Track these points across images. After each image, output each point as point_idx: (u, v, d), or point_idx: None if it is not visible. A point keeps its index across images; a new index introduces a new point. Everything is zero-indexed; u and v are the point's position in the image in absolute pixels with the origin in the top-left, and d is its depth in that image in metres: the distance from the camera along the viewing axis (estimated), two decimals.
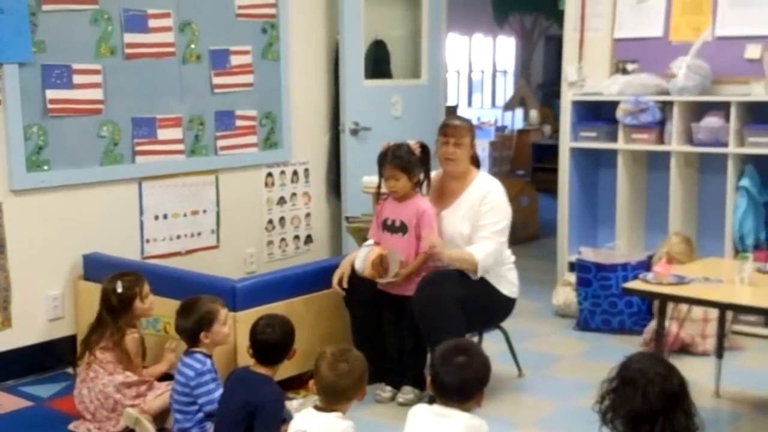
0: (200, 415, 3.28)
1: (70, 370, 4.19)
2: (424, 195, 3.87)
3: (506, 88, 18.32)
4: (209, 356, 3.37)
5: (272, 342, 3.15)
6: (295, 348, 3.21)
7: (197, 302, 3.40)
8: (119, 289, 3.54)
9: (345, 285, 3.82)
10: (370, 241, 3.94)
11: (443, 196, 3.90)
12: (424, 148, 3.85)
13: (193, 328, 3.35)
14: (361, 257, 3.78)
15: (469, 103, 17.95)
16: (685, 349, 4.36)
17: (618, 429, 2.18)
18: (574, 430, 3.47)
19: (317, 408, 2.74)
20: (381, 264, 3.72)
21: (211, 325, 3.36)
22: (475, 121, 11.83)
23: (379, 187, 3.92)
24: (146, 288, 3.62)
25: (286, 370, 3.48)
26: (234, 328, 3.50)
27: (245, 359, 3.44)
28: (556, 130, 10.31)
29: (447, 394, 2.54)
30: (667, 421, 2.11)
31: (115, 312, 3.55)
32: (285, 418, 3.03)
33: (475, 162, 3.94)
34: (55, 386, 4.00)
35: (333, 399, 2.71)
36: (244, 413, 3.00)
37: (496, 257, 3.73)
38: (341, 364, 2.69)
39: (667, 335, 4.26)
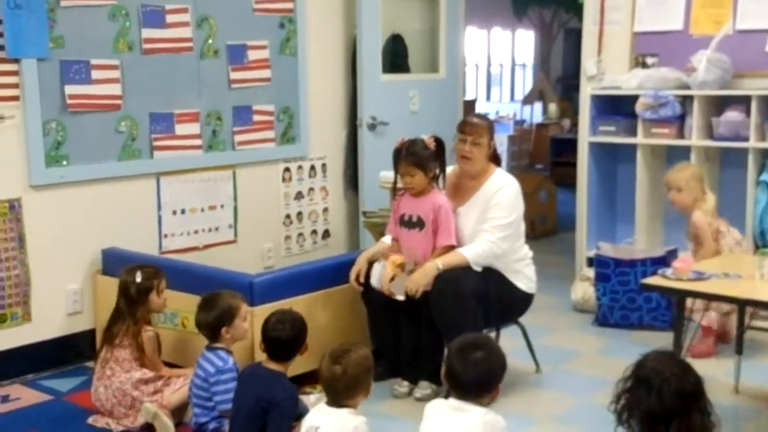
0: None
1: (89, 364, 4.21)
2: (440, 189, 3.86)
3: (525, 82, 18.27)
4: (231, 353, 3.37)
5: (284, 339, 3.15)
6: (307, 343, 3.21)
7: (219, 297, 3.41)
8: (138, 279, 3.56)
9: (362, 280, 3.82)
10: (387, 238, 3.93)
11: (460, 192, 3.88)
12: (439, 143, 3.84)
13: (215, 323, 3.36)
14: (377, 274, 3.73)
15: (488, 97, 17.91)
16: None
17: (634, 429, 2.16)
18: (591, 426, 3.45)
19: (329, 404, 2.74)
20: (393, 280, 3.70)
21: (233, 321, 3.36)
22: (493, 116, 11.86)
23: (395, 182, 3.92)
24: (163, 283, 3.63)
25: (302, 364, 3.49)
26: (251, 323, 3.51)
27: (263, 356, 3.45)
28: (575, 124, 10.27)
29: (462, 388, 2.54)
30: (683, 421, 2.09)
31: (133, 303, 3.56)
32: (301, 413, 3.03)
33: (495, 159, 3.91)
34: (75, 380, 4.02)
35: (335, 397, 2.72)
36: (258, 409, 3.00)
37: (487, 257, 3.71)
38: (335, 367, 2.69)
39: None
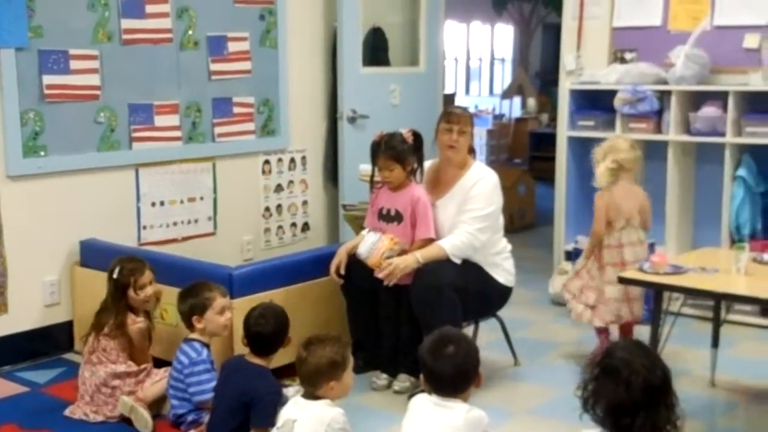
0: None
1: (66, 356, 4.20)
2: (418, 183, 3.87)
3: (504, 76, 18.31)
4: (207, 345, 3.37)
5: (266, 334, 3.14)
6: (290, 336, 3.21)
7: (197, 287, 3.42)
8: (114, 275, 3.55)
9: (342, 272, 3.82)
10: (366, 231, 3.93)
11: (438, 185, 3.90)
12: (417, 136, 3.85)
13: (187, 311, 3.38)
14: (368, 243, 3.73)
15: (467, 91, 17.93)
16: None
17: (598, 415, 2.15)
18: (570, 417, 3.42)
19: (305, 396, 2.76)
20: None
21: (204, 312, 3.36)
22: (472, 110, 11.84)
23: (372, 175, 3.92)
24: (144, 279, 3.58)
25: (281, 357, 3.48)
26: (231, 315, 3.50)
27: (242, 348, 3.44)
28: (553, 119, 10.31)
29: (443, 385, 2.55)
30: (649, 415, 2.08)
31: (112, 296, 3.56)
32: (283, 405, 3.03)
33: (471, 152, 3.93)
34: (52, 372, 4.00)
35: (303, 384, 2.77)
36: (240, 404, 3.00)
37: (466, 248, 3.72)
38: (302, 352, 2.74)
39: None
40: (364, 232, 3.96)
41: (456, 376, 2.53)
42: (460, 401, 2.55)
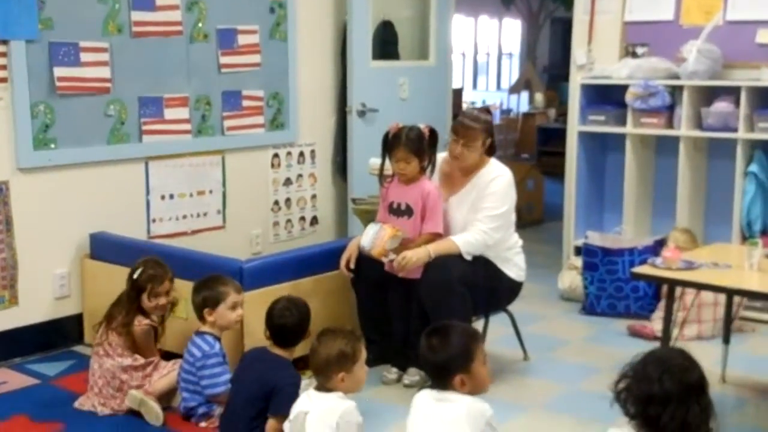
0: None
1: (76, 348, 4.20)
2: (429, 178, 3.85)
3: (512, 71, 18.27)
4: (218, 339, 3.37)
5: (290, 325, 3.16)
6: (310, 330, 3.21)
7: (212, 279, 3.42)
8: (135, 275, 3.54)
9: (352, 266, 3.82)
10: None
11: (452, 181, 3.87)
12: (433, 133, 3.82)
13: (200, 303, 3.38)
14: (370, 235, 3.72)
15: (475, 86, 17.92)
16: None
17: (629, 411, 2.16)
18: (579, 413, 3.48)
19: (318, 389, 2.76)
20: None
21: (216, 305, 3.36)
22: (479, 104, 11.82)
23: (382, 168, 3.89)
24: (161, 288, 3.55)
25: (297, 349, 3.49)
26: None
27: (252, 340, 3.44)
28: (561, 114, 10.30)
29: (427, 373, 2.64)
30: (680, 409, 2.08)
31: (128, 294, 3.56)
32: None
33: (490, 150, 3.86)
34: (62, 364, 4.00)
35: (315, 375, 2.77)
36: (261, 393, 3.00)
37: (479, 247, 3.70)
38: (314, 342, 2.76)
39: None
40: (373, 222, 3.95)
41: (435, 367, 2.59)
42: (461, 393, 2.54)
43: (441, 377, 2.58)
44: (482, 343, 2.69)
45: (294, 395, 2.94)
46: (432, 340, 2.60)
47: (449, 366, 2.56)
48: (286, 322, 3.15)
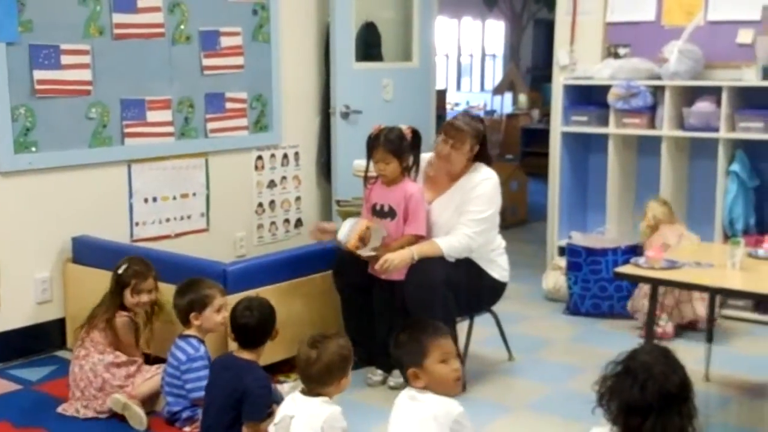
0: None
1: (59, 353, 4.17)
2: (413, 180, 3.84)
3: (495, 72, 18.33)
4: (202, 341, 3.36)
5: (252, 325, 3.11)
6: (278, 329, 3.18)
7: (197, 283, 3.41)
8: (119, 270, 3.54)
9: (324, 228, 4.01)
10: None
11: (437, 184, 3.86)
12: (416, 134, 3.82)
13: (186, 307, 3.36)
14: (346, 229, 3.72)
15: (458, 87, 17.95)
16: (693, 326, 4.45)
17: (611, 413, 2.17)
18: (564, 413, 3.48)
19: (304, 392, 2.74)
20: (364, 237, 3.70)
21: (203, 309, 3.35)
22: (463, 105, 11.85)
23: (366, 170, 3.89)
24: (144, 285, 3.55)
25: (276, 353, 3.48)
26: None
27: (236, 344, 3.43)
28: (545, 115, 10.32)
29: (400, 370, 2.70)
30: (660, 418, 2.09)
31: (111, 290, 3.55)
32: (276, 401, 3.02)
33: (486, 159, 3.84)
34: (44, 369, 3.97)
35: (309, 383, 2.72)
36: (232, 400, 2.98)
37: (462, 250, 3.69)
38: (311, 351, 2.69)
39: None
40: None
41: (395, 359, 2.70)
42: (430, 393, 2.56)
43: (402, 372, 2.65)
44: (444, 340, 2.63)
45: (265, 397, 2.93)
46: (398, 335, 2.67)
47: (401, 359, 2.63)
48: (247, 322, 3.10)
